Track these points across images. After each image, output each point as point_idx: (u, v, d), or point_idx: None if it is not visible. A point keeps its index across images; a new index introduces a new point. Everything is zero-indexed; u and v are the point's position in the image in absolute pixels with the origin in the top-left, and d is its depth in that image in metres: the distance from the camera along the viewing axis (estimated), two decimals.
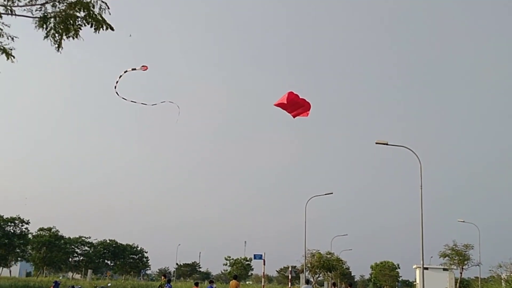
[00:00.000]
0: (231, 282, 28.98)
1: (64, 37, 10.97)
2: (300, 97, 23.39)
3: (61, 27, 10.75)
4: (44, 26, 10.93)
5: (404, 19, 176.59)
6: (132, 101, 16.42)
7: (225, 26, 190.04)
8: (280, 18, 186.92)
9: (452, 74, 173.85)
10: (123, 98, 16.16)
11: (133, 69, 15.31)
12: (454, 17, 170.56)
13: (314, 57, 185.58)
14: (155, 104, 17.37)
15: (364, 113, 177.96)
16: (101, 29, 10.93)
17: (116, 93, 15.79)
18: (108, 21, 10.90)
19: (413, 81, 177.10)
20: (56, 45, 11.02)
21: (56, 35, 10.92)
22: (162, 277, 30.80)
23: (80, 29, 10.95)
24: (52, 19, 10.79)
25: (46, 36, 10.99)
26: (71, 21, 10.63)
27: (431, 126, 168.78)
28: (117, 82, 15.59)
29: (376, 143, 31.79)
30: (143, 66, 15.63)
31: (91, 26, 10.81)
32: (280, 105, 23.24)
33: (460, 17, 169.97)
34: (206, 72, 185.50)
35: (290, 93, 23.55)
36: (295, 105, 23.38)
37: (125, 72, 15.46)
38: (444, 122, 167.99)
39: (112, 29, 11.11)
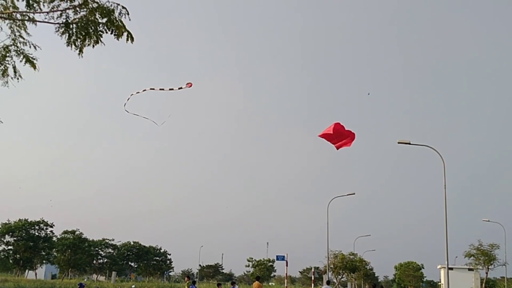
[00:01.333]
0: (254, 283, 29.00)
1: (86, 43, 11.04)
2: (346, 128, 23.76)
3: (83, 33, 10.82)
4: (67, 33, 11.02)
5: (414, 16, 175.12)
6: (144, 117, 16.40)
7: (242, 28, 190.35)
8: (294, 18, 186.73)
9: (476, 71, 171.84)
10: (134, 114, 16.21)
11: (179, 88, 15.45)
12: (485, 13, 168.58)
13: (334, 57, 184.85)
14: (164, 122, 17.17)
15: (386, 112, 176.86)
16: (121, 36, 10.95)
17: (126, 110, 15.89)
18: (128, 29, 10.91)
19: (437, 80, 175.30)
20: (78, 51, 11.10)
21: (78, 41, 11.00)
22: (186, 278, 31.00)
23: (101, 36, 10.99)
24: (74, 25, 10.88)
25: (68, 43, 11.08)
26: (92, 27, 10.70)
27: (454, 124, 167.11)
28: (132, 96, 15.66)
29: (399, 142, 31.50)
30: (187, 83, 15.74)
31: (112, 33, 10.84)
32: (325, 136, 23.56)
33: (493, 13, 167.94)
34: (223, 73, 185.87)
35: (336, 124, 23.93)
36: (340, 136, 23.71)
37: (170, 89, 15.57)
38: (468, 120, 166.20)
39: (132, 39, 11.11)
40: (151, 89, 16.04)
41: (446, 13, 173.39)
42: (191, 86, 15.67)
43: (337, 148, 24.01)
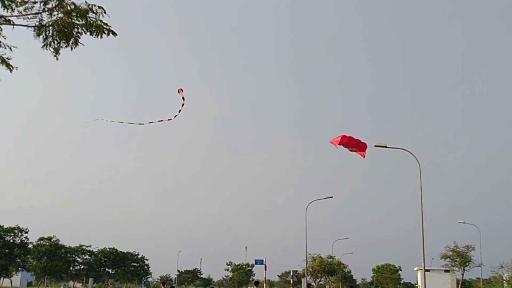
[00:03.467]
0: None
1: (63, 45, 10.95)
2: (355, 138, 24.98)
3: (59, 35, 10.73)
4: (42, 35, 10.91)
5: (395, 20, 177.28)
6: (129, 123, 16.49)
7: (216, 34, 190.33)
8: (271, 23, 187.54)
9: (447, 74, 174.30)
10: (119, 121, 16.29)
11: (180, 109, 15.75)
12: (446, 15, 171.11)
13: (309, 62, 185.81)
14: (142, 124, 17.20)
15: (362, 116, 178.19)
16: (103, 35, 10.91)
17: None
18: (109, 26, 10.88)
19: (410, 83, 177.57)
20: (54, 53, 11.01)
21: (54, 43, 10.91)
22: (161, 285, 30.71)
23: (79, 37, 10.92)
24: (50, 28, 10.78)
25: (44, 45, 10.99)
26: (70, 30, 10.62)
27: (429, 128, 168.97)
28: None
29: (375, 146, 31.76)
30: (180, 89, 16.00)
31: (91, 34, 10.78)
32: (341, 143, 25.03)
33: (451, 14, 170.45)
34: (199, 80, 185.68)
35: (343, 137, 25.10)
36: (350, 146, 25.11)
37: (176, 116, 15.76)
38: (442, 123, 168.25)
39: (114, 34, 11.09)
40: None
41: (425, 15, 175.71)
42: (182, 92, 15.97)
43: (350, 151, 25.77)
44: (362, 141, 26.30)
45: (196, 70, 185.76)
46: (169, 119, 16.65)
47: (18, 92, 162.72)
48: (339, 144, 25.23)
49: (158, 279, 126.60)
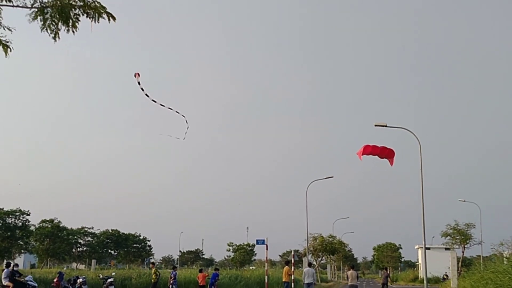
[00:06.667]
0: (284, 268, 30.14)
1: (62, 27, 10.81)
2: (379, 146, 25.28)
3: (57, 16, 10.59)
4: (40, 18, 10.78)
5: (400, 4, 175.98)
6: (154, 101, 16.49)
7: (231, 12, 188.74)
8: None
9: (449, 54, 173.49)
10: (153, 100, 16.30)
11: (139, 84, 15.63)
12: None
13: (310, 41, 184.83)
14: (170, 109, 17.26)
15: (363, 96, 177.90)
16: (100, 18, 10.74)
17: (146, 95, 15.95)
18: (108, 10, 10.69)
19: (412, 63, 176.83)
20: (53, 35, 10.87)
21: (52, 25, 10.77)
22: (151, 265, 30.56)
23: (78, 19, 10.77)
24: (48, 9, 10.64)
25: (43, 27, 10.85)
26: (68, 11, 10.48)
27: (429, 106, 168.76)
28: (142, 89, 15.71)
29: (375, 125, 31.65)
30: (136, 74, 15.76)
31: (87, 16, 10.63)
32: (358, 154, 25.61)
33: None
34: (213, 61, 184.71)
35: (366, 147, 25.29)
36: (376, 153, 25.56)
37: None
38: (443, 102, 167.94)
39: (113, 18, 10.91)
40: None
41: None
42: (139, 76, 15.74)
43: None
44: (387, 147, 26.57)
45: (209, 52, 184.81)
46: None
47: (24, 75, 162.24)
48: (363, 154, 25.86)
49: (160, 260, 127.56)
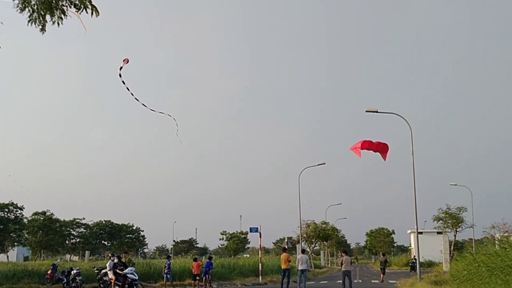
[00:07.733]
0: (282, 255, 29.55)
1: (49, 20, 10.67)
2: (374, 142, 26.23)
3: (43, 7, 10.45)
4: (27, 9, 10.64)
5: None
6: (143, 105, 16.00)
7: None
8: None
9: (440, 39, 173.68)
10: (143, 104, 15.84)
11: (120, 68, 15.03)
12: None
13: (305, 28, 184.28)
14: (156, 111, 16.86)
15: (354, 81, 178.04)
16: (85, 9, 10.57)
17: (136, 99, 15.58)
18: (92, 2, 10.50)
19: (402, 47, 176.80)
20: (40, 27, 10.74)
21: (40, 17, 10.63)
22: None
23: (65, 11, 10.61)
24: (33, 1, 10.51)
25: (30, 20, 10.71)
26: (54, 1, 10.34)
27: (419, 91, 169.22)
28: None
29: (366, 111, 31.76)
30: (124, 59, 15.16)
31: (75, 6, 10.45)
32: (355, 150, 26.80)
33: None
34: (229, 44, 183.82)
35: (363, 143, 26.16)
36: (372, 149, 26.49)
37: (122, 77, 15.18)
38: (434, 86, 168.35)
39: (97, 13, 10.69)
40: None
41: None
42: (127, 62, 15.18)
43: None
44: (382, 142, 27.24)
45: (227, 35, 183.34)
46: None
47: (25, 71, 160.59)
48: (362, 149, 26.77)
49: (154, 249, 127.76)
